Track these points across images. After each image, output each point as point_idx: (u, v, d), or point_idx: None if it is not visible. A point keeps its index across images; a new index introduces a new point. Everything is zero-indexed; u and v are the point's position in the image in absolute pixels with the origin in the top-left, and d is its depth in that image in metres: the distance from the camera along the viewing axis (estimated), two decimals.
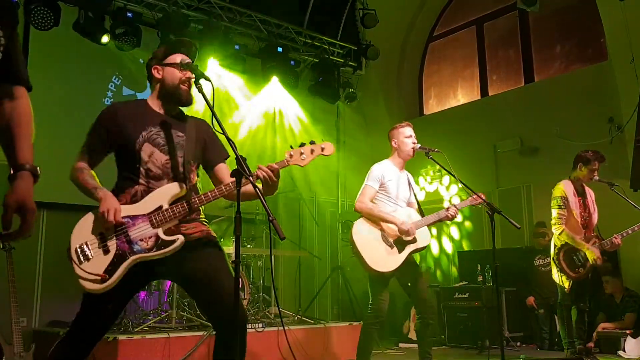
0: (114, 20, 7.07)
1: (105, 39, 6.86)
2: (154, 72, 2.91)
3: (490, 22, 9.63)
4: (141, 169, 2.76)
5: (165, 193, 2.74)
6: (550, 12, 8.57)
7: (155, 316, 5.87)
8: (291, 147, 2.83)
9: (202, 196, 2.76)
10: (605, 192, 5.47)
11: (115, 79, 7.50)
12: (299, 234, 8.10)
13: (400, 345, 7.81)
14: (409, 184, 4.59)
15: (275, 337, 5.61)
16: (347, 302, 8.60)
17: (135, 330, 5.24)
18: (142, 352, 4.83)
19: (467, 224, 9.05)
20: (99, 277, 2.55)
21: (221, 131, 2.59)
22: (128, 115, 2.82)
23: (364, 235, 4.32)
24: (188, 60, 2.86)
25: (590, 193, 5.49)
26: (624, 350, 6.20)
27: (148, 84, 3.02)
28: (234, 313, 2.53)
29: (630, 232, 5.20)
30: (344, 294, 8.76)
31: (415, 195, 4.63)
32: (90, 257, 2.60)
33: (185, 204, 2.71)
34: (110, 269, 2.58)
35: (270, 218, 2.41)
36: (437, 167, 4.60)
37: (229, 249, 6.36)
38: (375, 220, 4.35)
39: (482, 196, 4.46)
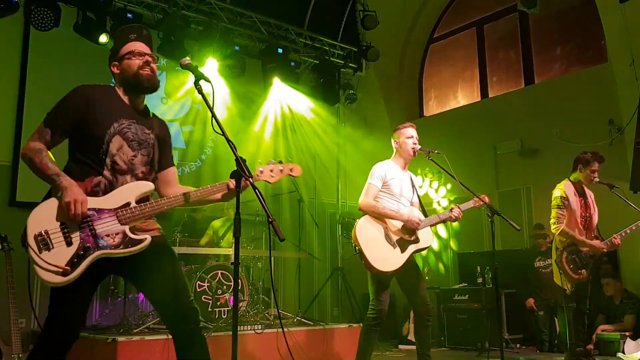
0: (114, 21, 7.07)
1: (103, 38, 6.85)
2: (113, 69, 2.86)
3: (490, 24, 9.63)
4: (107, 160, 2.64)
5: (135, 190, 2.67)
6: (550, 13, 8.58)
7: (154, 317, 5.85)
8: (260, 162, 2.90)
9: (173, 199, 2.72)
10: (605, 194, 5.46)
11: (115, 80, 7.50)
12: (299, 235, 8.09)
13: (400, 347, 7.80)
14: (412, 183, 4.58)
15: (274, 339, 5.60)
16: (347, 303, 8.60)
17: (135, 331, 5.23)
18: (142, 353, 4.82)
19: (467, 225, 9.04)
20: (60, 270, 2.43)
21: (221, 132, 2.58)
22: (100, 102, 2.72)
23: (367, 234, 4.28)
24: (187, 61, 2.82)
25: (590, 194, 5.49)
26: (623, 352, 6.19)
27: None
28: (187, 317, 2.60)
29: (628, 231, 5.20)
30: (343, 296, 8.75)
31: (418, 196, 4.63)
32: (50, 246, 2.45)
33: (154, 204, 2.67)
34: (75, 262, 2.46)
35: (270, 219, 2.41)
36: (437, 168, 4.57)
37: (229, 250, 6.39)
38: (380, 217, 4.32)
39: (486, 198, 4.47)
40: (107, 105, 2.73)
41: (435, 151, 4.44)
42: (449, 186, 9.35)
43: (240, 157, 2.53)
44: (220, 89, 8.11)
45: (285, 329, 5.74)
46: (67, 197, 2.47)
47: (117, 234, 2.56)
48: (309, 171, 9.26)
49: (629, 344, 6.17)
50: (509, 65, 9.30)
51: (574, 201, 5.31)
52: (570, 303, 5.37)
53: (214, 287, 5.85)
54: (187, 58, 2.84)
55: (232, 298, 5.76)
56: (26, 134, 6.71)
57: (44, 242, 2.45)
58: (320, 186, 9.36)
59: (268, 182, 2.88)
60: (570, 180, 5.43)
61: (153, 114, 2.96)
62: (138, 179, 2.72)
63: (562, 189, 5.35)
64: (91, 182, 2.61)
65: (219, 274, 5.98)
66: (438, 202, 9.28)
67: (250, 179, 2.53)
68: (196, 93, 2.73)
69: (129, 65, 2.80)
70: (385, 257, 4.22)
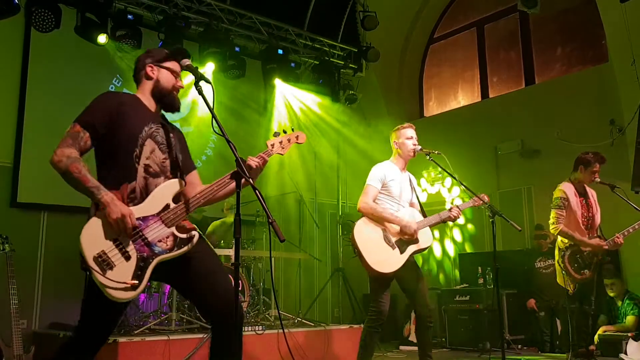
0: (114, 22, 7.08)
1: (102, 39, 6.85)
2: (148, 69, 2.86)
3: (491, 24, 9.63)
4: (140, 164, 2.67)
5: (169, 190, 2.72)
6: (551, 14, 8.57)
7: (155, 318, 5.86)
8: (273, 136, 3.01)
9: (199, 194, 2.76)
10: (606, 194, 5.46)
11: (115, 81, 7.51)
12: (300, 236, 8.09)
13: (401, 347, 7.80)
14: (411, 184, 4.58)
15: (275, 340, 5.60)
16: (348, 304, 8.60)
17: (136, 332, 5.23)
18: (143, 354, 4.82)
19: (469, 226, 9.04)
20: (129, 285, 2.46)
21: (221, 133, 2.58)
22: (128, 106, 2.73)
23: (366, 235, 4.26)
24: (188, 62, 2.84)
25: (592, 193, 5.47)
26: (625, 353, 6.18)
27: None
28: (231, 314, 2.54)
29: (631, 230, 5.19)
30: (344, 297, 8.75)
31: (417, 197, 4.62)
32: (113, 265, 2.47)
33: (190, 202, 2.72)
34: (139, 274, 2.50)
35: (270, 220, 2.40)
36: (439, 168, 4.57)
37: (229, 251, 6.38)
38: (379, 220, 4.32)
39: (486, 198, 4.46)
40: (136, 109, 2.76)
41: (436, 152, 4.43)
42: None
43: (240, 158, 2.53)
44: (220, 90, 8.11)
45: (285, 330, 5.73)
46: (114, 214, 2.47)
47: (167, 237, 2.62)
48: (309, 172, 9.26)
49: (631, 344, 6.15)
50: (510, 66, 9.30)
51: (575, 202, 5.29)
52: (573, 304, 5.36)
53: None
54: (187, 60, 2.84)
55: None
56: (27, 135, 6.72)
57: (105, 263, 2.46)
58: (321, 187, 9.36)
59: (280, 154, 2.97)
60: (570, 181, 5.42)
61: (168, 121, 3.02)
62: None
63: (562, 189, 5.34)
64: (126, 189, 2.61)
65: None
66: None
67: (251, 179, 2.52)
68: (194, 94, 2.75)
69: (167, 78, 2.87)
70: (384, 259, 4.21)
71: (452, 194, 9.29)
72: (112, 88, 7.44)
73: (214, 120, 2.60)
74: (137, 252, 2.53)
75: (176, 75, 2.89)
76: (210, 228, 6.97)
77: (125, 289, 2.46)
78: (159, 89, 2.85)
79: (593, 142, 7.20)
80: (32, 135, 6.77)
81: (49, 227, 6.74)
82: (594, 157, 5.32)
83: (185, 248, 2.63)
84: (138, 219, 2.57)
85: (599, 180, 5.32)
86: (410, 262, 4.34)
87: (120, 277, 2.45)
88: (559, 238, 5.31)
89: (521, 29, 9.11)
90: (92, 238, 2.49)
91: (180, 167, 2.83)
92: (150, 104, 2.85)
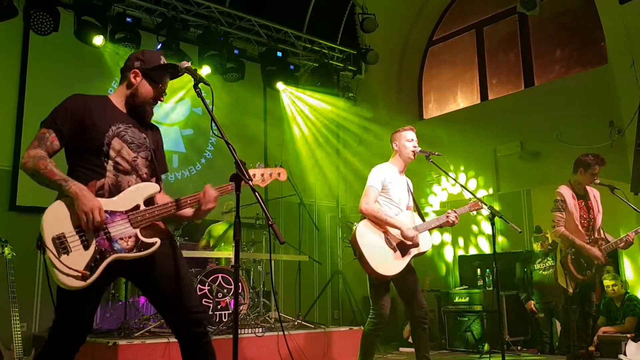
0: (113, 25, 7.09)
1: (98, 41, 6.86)
2: (132, 75, 2.81)
3: (490, 26, 9.64)
4: (109, 162, 2.66)
5: (143, 192, 2.70)
6: (550, 15, 8.58)
7: (155, 321, 5.85)
8: (250, 166, 2.95)
9: (181, 200, 2.75)
10: (606, 195, 5.47)
11: (114, 84, 7.51)
12: (299, 239, 8.09)
13: (401, 349, 7.79)
14: (408, 188, 4.58)
15: (275, 342, 5.59)
16: (348, 306, 8.59)
17: (136, 335, 5.22)
18: (142, 357, 4.82)
19: (468, 228, 9.03)
20: (79, 274, 2.43)
21: (220, 135, 2.58)
22: (95, 108, 2.73)
23: (368, 238, 4.24)
24: (187, 64, 2.80)
25: (594, 194, 5.48)
26: (624, 354, 6.18)
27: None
28: (195, 319, 2.63)
29: None
30: (344, 299, 8.75)
31: (414, 200, 4.62)
32: (69, 250, 2.46)
33: (162, 207, 2.70)
34: (92, 266, 2.47)
35: (270, 222, 2.40)
36: (440, 170, 4.55)
37: (229, 253, 6.38)
38: (380, 222, 4.30)
39: (481, 205, 4.47)
40: (103, 110, 2.74)
41: (436, 153, 4.42)
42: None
43: (240, 160, 2.53)
44: (219, 93, 8.12)
45: (285, 332, 5.73)
46: (84, 207, 2.47)
47: (129, 237, 2.59)
48: (308, 174, 9.27)
49: (631, 345, 6.15)
50: (509, 68, 9.30)
51: (572, 204, 5.31)
52: (573, 304, 5.37)
53: (214, 291, 5.85)
54: (186, 61, 2.84)
55: (232, 301, 5.75)
56: (26, 138, 6.73)
57: (62, 246, 2.45)
58: (320, 189, 9.36)
59: (259, 185, 2.96)
60: (570, 183, 5.44)
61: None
62: (143, 179, 2.75)
63: (559, 191, 5.38)
64: (94, 186, 2.61)
65: (220, 277, 5.98)
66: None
67: (250, 181, 2.52)
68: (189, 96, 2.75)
69: (146, 90, 2.81)
70: (387, 262, 4.20)
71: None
72: (110, 91, 7.43)
73: (213, 123, 2.60)
74: (97, 244, 2.51)
75: (158, 89, 2.83)
76: (206, 234, 6.99)
77: (75, 277, 2.43)
78: (134, 99, 2.81)
79: (592, 144, 7.20)
80: (31, 139, 6.73)
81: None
82: (594, 160, 5.32)
83: (144, 252, 2.60)
84: (106, 211, 2.55)
85: (598, 181, 5.32)
86: (408, 265, 4.34)
87: (73, 264, 2.43)
88: (559, 239, 5.33)
89: (520, 31, 9.12)
90: (55, 219, 2.50)
91: (155, 166, 2.82)
92: (121, 105, 2.83)
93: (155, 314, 6.10)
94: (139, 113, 2.83)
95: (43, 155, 2.58)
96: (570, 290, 5.25)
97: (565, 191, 5.36)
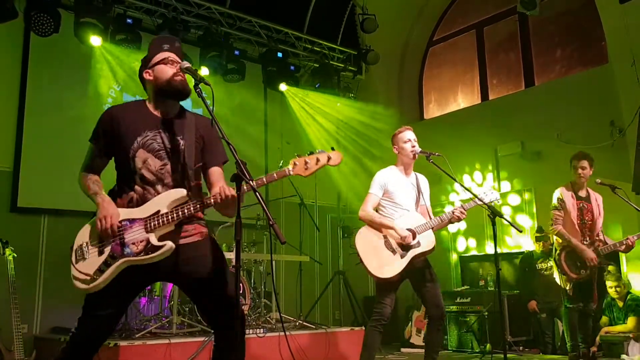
0: (114, 26, 7.09)
1: (98, 42, 6.86)
2: (146, 76, 2.86)
3: (490, 26, 9.63)
4: (136, 175, 2.74)
5: (167, 198, 2.71)
6: (550, 15, 8.57)
7: (156, 322, 5.85)
8: (297, 156, 2.75)
9: (197, 202, 2.71)
10: (608, 196, 5.47)
11: (115, 85, 7.52)
12: (300, 239, 8.09)
13: (403, 350, 7.78)
14: (419, 187, 4.55)
15: (276, 343, 5.59)
16: (349, 306, 8.58)
17: (137, 336, 5.22)
18: (143, 358, 4.81)
19: (470, 228, 9.02)
20: (87, 277, 2.60)
21: (221, 135, 2.58)
22: (124, 120, 2.78)
23: (366, 242, 4.33)
24: (187, 64, 2.82)
25: (596, 197, 5.52)
26: (627, 354, 6.17)
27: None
28: (233, 318, 2.57)
29: None
30: (345, 299, 8.73)
31: (427, 199, 4.61)
32: (86, 257, 2.66)
33: (180, 210, 2.68)
34: (101, 270, 2.61)
35: (271, 222, 2.40)
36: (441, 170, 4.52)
37: (229, 254, 6.37)
38: (375, 227, 4.36)
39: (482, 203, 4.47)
40: (131, 121, 2.79)
41: (436, 153, 4.40)
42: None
43: (241, 160, 2.52)
44: (219, 93, 8.11)
45: (287, 333, 5.72)
46: (99, 214, 2.65)
47: (141, 241, 2.65)
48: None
49: (633, 345, 6.14)
50: (509, 68, 9.30)
51: (570, 203, 5.39)
52: (571, 303, 5.39)
53: None
54: (186, 62, 2.83)
55: None
56: (27, 139, 6.73)
57: (81, 253, 2.68)
58: (321, 189, 9.35)
59: (301, 175, 2.73)
60: (570, 184, 5.52)
61: (192, 114, 2.95)
62: (169, 187, 2.76)
63: (560, 191, 5.47)
64: (126, 198, 2.75)
65: None
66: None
67: (251, 181, 2.51)
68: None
69: (162, 71, 2.82)
70: (384, 264, 4.24)
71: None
72: (112, 93, 7.45)
73: (213, 123, 2.60)
74: (111, 249, 2.64)
75: (168, 62, 2.83)
76: None
77: (82, 280, 2.62)
78: (159, 86, 2.82)
79: (593, 144, 7.19)
80: (31, 140, 6.77)
81: (49, 231, 6.74)
82: (574, 156, 5.50)
83: (151, 255, 2.62)
84: (126, 220, 2.67)
85: (599, 181, 5.35)
86: (421, 264, 4.35)
87: (84, 269, 2.63)
88: (556, 237, 5.38)
89: (520, 30, 9.11)
90: (84, 232, 2.74)
91: (186, 170, 2.78)
92: (155, 107, 2.85)
93: (156, 315, 6.10)
94: (174, 92, 2.81)
95: (86, 174, 2.83)
96: (568, 289, 5.29)
97: (565, 191, 5.46)
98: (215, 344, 2.79)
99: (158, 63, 2.83)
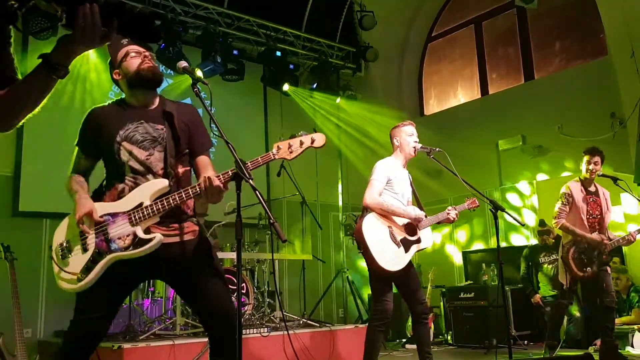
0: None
1: None
2: (116, 76, 2.85)
3: (488, 21, 9.62)
4: (125, 166, 2.71)
5: (148, 189, 2.67)
6: (548, 8, 8.56)
7: (159, 323, 5.84)
8: (281, 139, 2.74)
9: (182, 192, 2.63)
10: (609, 187, 5.46)
11: (115, 87, 7.49)
12: (302, 238, 8.08)
13: (407, 346, 7.77)
14: (410, 182, 4.56)
15: (280, 342, 5.58)
16: (352, 304, 8.58)
17: (140, 338, 5.21)
18: (148, 359, 4.81)
19: (472, 222, 9.02)
20: (74, 277, 2.53)
21: (220, 134, 2.57)
22: (107, 117, 2.79)
23: (375, 234, 4.19)
24: (184, 64, 2.80)
25: (604, 192, 5.49)
26: (632, 346, 6.16)
27: None
28: (225, 321, 2.58)
29: None
30: (348, 297, 8.73)
31: (415, 194, 4.60)
32: (70, 255, 2.60)
33: (165, 201, 2.63)
34: (88, 268, 2.54)
35: (272, 221, 2.39)
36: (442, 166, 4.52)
37: (232, 254, 6.36)
38: (387, 214, 4.26)
39: (476, 202, 4.49)
40: (113, 116, 2.79)
41: (437, 149, 4.39)
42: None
43: (240, 159, 2.51)
44: (218, 93, 8.10)
45: (291, 331, 5.71)
46: (76, 210, 2.59)
47: (127, 235, 2.59)
48: (311, 173, 9.24)
49: (638, 337, 6.14)
50: (509, 62, 9.28)
51: (580, 198, 5.32)
52: (563, 298, 5.41)
53: None
54: (184, 62, 2.82)
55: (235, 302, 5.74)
56: (27, 144, 6.74)
57: (63, 252, 2.61)
58: (323, 188, 9.34)
59: (286, 158, 2.70)
60: (579, 179, 5.46)
61: (173, 103, 2.93)
62: (159, 176, 2.72)
63: (568, 185, 5.42)
64: (117, 190, 2.71)
65: None
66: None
67: (251, 180, 2.50)
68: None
69: (128, 65, 2.80)
70: (392, 257, 4.17)
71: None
72: (111, 95, 7.44)
73: (212, 122, 2.59)
74: (96, 246, 2.58)
75: (130, 55, 2.81)
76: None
77: (69, 280, 2.54)
78: (130, 80, 2.80)
79: (594, 136, 7.18)
80: (32, 145, 6.77)
81: (51, 235, 6.71)
82: (585, 152, 5.42)
83: (141, 249, 2.57)
84: (108, 214, 2.62)
85: (601, 172, 5.33)
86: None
87: (70, 268, 2.56)
88: (563, 234, 5.33)
89: (519, 24, 9.10)
90: (63, 229, 2.68)
91: (173, 157, 2.76)
92: (135, 99, 2.84)
93: (159, 317, 6.10)
94: (145, 81, 2.78)
95: (72, 175, 2.81)
96: (565, 285, 5.27)
97: (574, 186, 5.38)
98: (211, 348, 2.75)
99: (122, 60, 2.82)
